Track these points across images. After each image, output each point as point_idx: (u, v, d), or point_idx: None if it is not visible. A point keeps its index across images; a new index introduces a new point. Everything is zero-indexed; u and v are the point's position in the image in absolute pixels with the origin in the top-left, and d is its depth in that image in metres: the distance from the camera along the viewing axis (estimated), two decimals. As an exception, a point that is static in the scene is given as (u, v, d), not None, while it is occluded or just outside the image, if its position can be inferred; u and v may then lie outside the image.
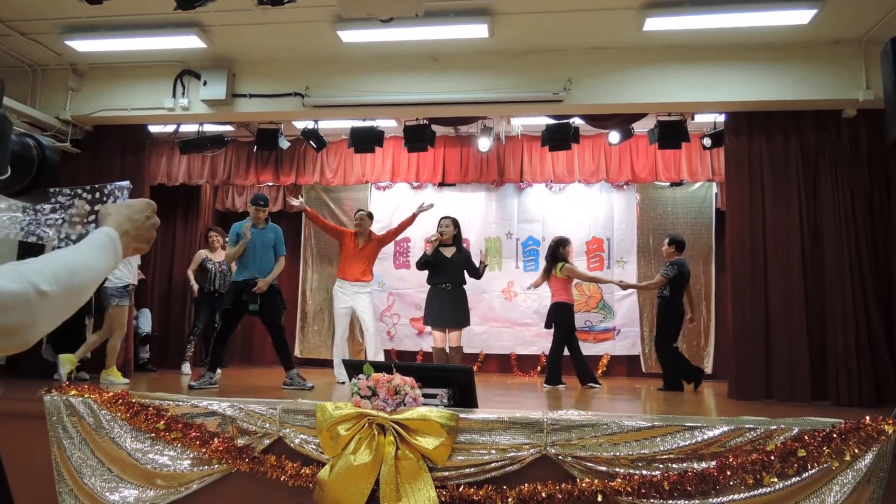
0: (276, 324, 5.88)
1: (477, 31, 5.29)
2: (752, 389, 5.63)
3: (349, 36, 5.44)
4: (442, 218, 6.36)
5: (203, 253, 7.72)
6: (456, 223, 6.34)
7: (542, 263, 8.62)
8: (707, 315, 8.32)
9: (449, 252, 6.21)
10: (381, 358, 6.41)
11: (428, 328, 8.54)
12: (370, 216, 6.65)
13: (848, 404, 5.34)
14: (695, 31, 5.36)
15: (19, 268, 0.92)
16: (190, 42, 5.73)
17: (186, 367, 7.20)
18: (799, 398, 5.51)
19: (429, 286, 6.25)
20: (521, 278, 8.56)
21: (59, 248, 1.21)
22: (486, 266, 6.50)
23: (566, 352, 6.75)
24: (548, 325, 6.94)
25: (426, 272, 6.31)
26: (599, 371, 8.04)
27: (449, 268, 6.14)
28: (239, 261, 5.87)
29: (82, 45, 5.85)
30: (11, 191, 1.06)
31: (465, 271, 6.25)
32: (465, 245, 6.64)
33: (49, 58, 6.26)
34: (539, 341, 8.41)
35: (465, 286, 6.23)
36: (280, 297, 6.14)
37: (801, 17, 5.00)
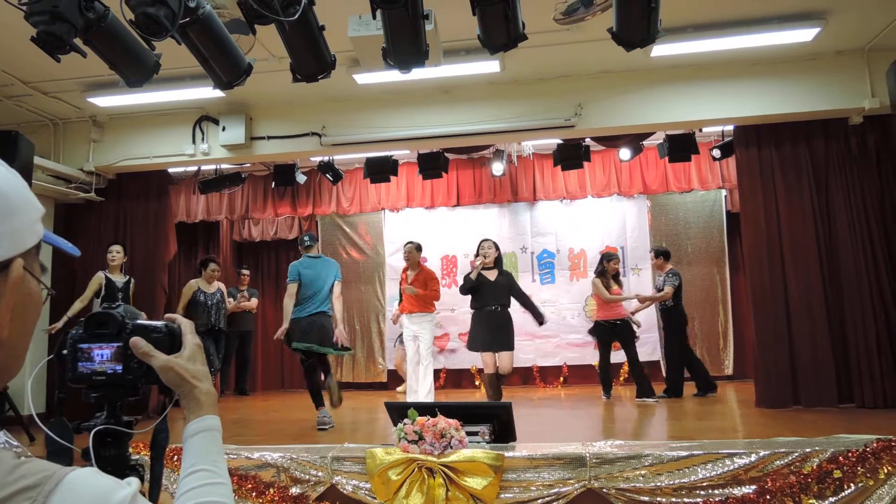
0: (327, 363, 5.87)
1: (489, 66, 5.42)
2: (780, 397, 5.75)
3: (364, 78, 5.58)
4: (483, 241, 6.24)
5: (194, 284, 7.20)
6: (497, 246, 6.22)
7: (558, 275, 8.87)
8: (724, 317, 8.42)
9: (492, 275, 6.10)
10: (428, 381, 6.29)
11: (452, 346, 8.67)
12: (418, 248, 6.53)
13: (873, 406, 5.48)
14: (701, 53, 5.47)
15: None
16: (207, 91, 5.86)
17: None
18: (826, 402, 5.64)
19: (472, 310, 6.12)
20: (538, 291, 8.65)
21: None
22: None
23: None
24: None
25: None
26: (621, 378, 8.16)
27: (494, 291, 6.04)
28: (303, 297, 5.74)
29: (103, 101, 6.00)
30: None
31: (511, 296, 6.15)
32: None
33: (70, 112, 6.42)
34: (560, 352, 8.56)
35: (509, 308, 6.15)
36: None
37: (805, 35, 5.10)
